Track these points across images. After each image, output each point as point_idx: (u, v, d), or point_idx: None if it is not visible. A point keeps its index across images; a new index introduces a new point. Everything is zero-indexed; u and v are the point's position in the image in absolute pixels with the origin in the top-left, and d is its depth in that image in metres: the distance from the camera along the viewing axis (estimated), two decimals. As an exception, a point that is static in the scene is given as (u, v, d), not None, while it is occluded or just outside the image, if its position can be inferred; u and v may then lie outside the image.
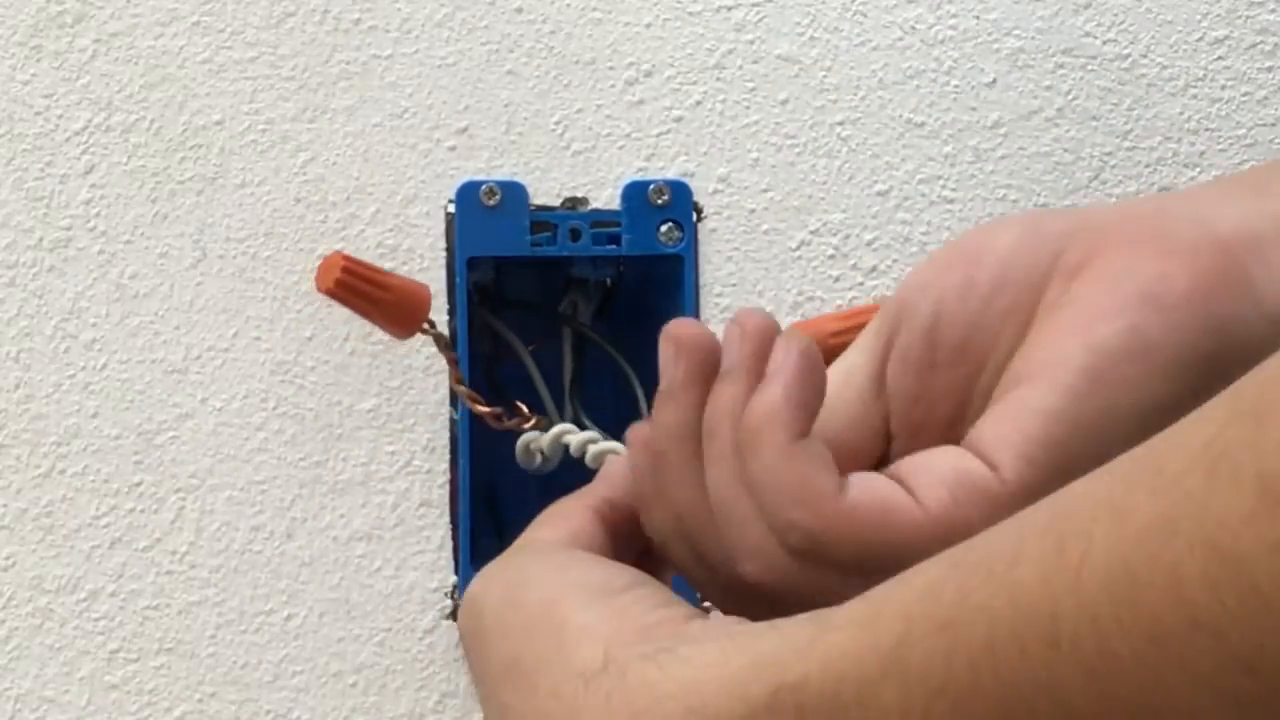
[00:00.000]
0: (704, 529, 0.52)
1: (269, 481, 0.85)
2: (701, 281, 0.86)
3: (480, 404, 0.80)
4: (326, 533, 0.85)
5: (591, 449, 0.63)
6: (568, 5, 0.87)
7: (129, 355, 0.84)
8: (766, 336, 0.52)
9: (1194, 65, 0.89)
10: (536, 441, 0.80)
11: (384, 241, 0.85)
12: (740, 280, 0.87)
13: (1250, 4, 0.89)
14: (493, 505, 0.88)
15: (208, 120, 0.85)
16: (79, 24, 0.84)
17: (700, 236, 0.86)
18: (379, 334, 0.82)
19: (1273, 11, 0.89)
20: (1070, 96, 0.89)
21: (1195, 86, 0.90)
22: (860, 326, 0.57)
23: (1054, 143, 0.89)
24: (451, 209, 0.85)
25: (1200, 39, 0.90)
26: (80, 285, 0.84)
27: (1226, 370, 0.49)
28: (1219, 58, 0.90)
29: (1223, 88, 0.90)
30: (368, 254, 0.84)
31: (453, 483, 0.85)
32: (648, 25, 0.87)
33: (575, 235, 0.85)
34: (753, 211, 0.87)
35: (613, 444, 0.64)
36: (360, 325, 0.83)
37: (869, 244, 0.88)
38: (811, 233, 0.87)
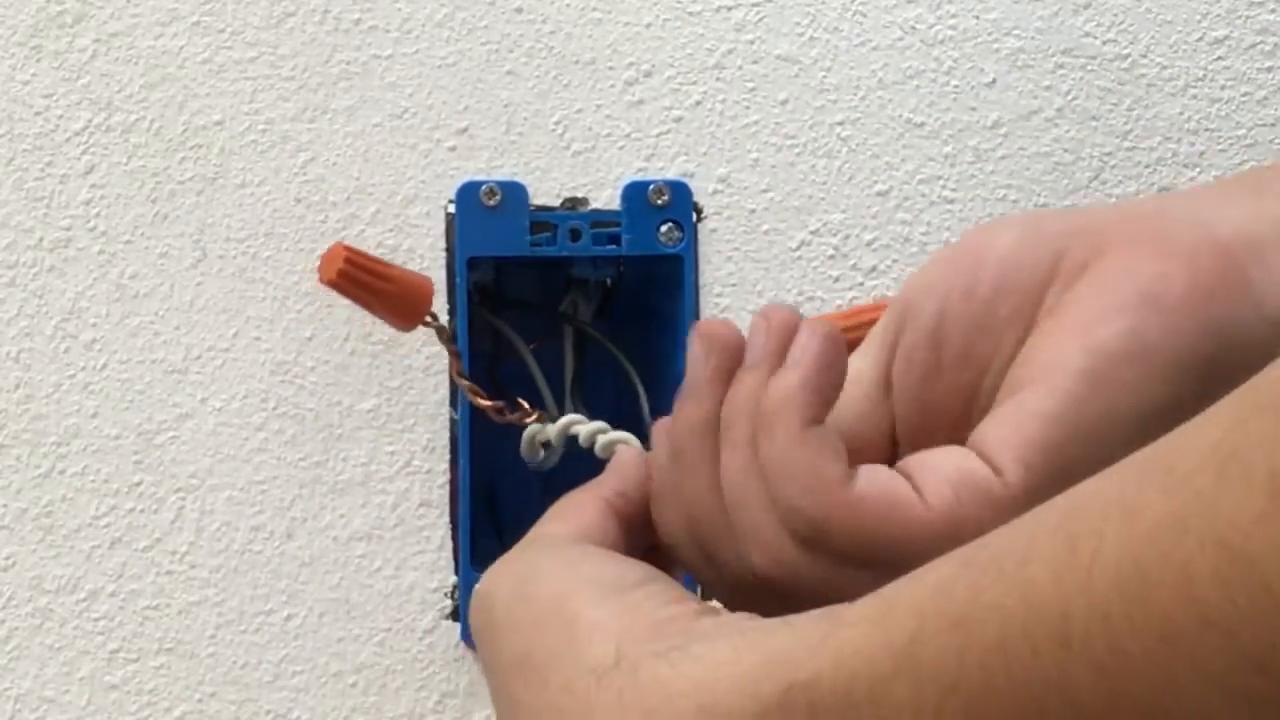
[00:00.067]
0: (715, 527, 0.52)
1: (269, 481, 0.85)
2: (701, 281, 0.86)
3: (482, 397, 0.80)
4: (326, 533, 0.85)
5: (601, 439, 0.63)
6: (568, 5, 0.87)
7: (129, 355, 0.84)
8: (791, 331, 0.52)
9: (1194, 65, 0.90)
10: (543, 433, 0.79)
11: (384, 241, 0.85)
12: (740, 280, 0.87)
13: (1250, 4, 0.90)
14: (493, 505, 0.88)
15: (208, 120, 0.85)
16: (79, 24, 0.84)
17: (700, 236, 0.86)
18: (379, 334, 0.82)
19: (1273, 11, 0.89)
20: (1070, 96, 0.89)
21: (1195, 86, 0.90)
22: (868, 324, 0.57)
23: (1054, 143, 0.89)
24: (451, 209, 0.85)
25: (1200, 39, 0.90)
26: (80, 285, 0.84)
27: (1226, 373, 0.49)
28: (1219, 58, 0.90)
29: (1223, 88, 0.90)
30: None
31: (453, 483, 0.85)
32: (648, 25, 0.87)
33: (575, 235, 0.85)
34: (753, 211, 0.87)
35: (623, 434, 0.64)
36: (360, 325, 0.83)
37: (869, 244, 0.88)
38: (811, 233, 0.87)
